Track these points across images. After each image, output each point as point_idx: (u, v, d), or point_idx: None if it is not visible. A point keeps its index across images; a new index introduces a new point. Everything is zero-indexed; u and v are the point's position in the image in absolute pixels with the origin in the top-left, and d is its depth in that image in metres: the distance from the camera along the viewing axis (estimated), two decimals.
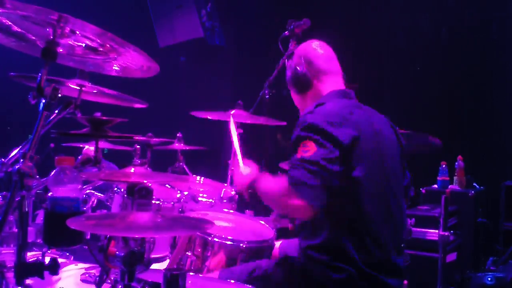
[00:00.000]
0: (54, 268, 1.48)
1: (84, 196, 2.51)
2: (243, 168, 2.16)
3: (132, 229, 1.34)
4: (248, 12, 5.86)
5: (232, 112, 2.79)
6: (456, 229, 3.82)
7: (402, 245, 1.98)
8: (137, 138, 2.36)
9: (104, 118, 1.70)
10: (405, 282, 1.95)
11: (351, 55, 3.62)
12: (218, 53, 5.96)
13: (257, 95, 3.12)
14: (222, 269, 2.10)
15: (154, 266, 2.38)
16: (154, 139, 2.87)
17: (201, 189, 3.01)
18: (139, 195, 1.43)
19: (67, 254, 2.27)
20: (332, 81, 2.11)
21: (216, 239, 2.16)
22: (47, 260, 1.47)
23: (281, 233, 2.51)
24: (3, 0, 1.35)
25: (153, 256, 1.72)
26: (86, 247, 1.56)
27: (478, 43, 4.89)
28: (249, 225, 2.55)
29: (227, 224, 2.53)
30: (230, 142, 2.45)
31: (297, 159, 1.80)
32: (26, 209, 1.48)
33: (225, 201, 2.86)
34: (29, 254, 1.50)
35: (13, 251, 1.64)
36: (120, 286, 1.39)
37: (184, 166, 3.34)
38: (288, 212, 1.89)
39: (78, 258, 2.20)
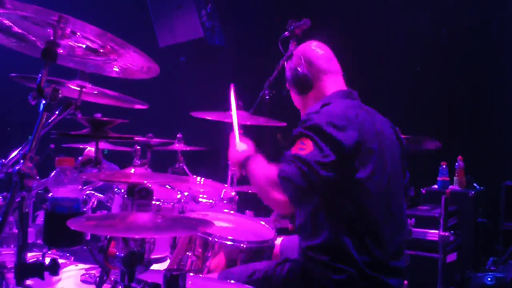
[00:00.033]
0: (54, 268, 1.48)
1: (84, 196, 2.50)
2: (239, 144, 2.14)
3: (132, 229, 1.34)
4: (248, 12, 5.85)
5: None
6: (456, 229, 3.82)
7: (403, 245, 1.98)
8: (137, 138, 2.36)
9: (105, 119, 1.70)
10: (405, 282, 1.95)
11: (351, 55, 3.61)
12: (218, 53, 5.95)
13: (257, 96, 3.12)
14: (222, 270, 2.10)
15: (154, 266, 2.38)
16: (154, 140, 2.86)
17: (201, 190, 3.01)
18: (139, 195, 1.43)
19: (67, 254, 2.27)
20: (334, 81, 2.11)
21: (216, 239, 2.16)
22: (47, 260, 1.47)
23: (281, 234, 2.51)
24: (3, 1, 1.35)
25: (153, 256, 1.72)
26: (86, 247, 1.56)
27: (478, 43, 4.88)
28: (249, 225, 2.55)
29: (227, 225, 2.53)
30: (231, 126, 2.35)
31: (291, 154, 1.80)
32: (26, 210, 1.48)
33: (225, 201, 2.86)
34: (29, 254, 1.50)
35: (13, 251, 1.64)
36: (120, 287, 1.39)
37: (184, 167, 3.33)
38: (268, 201, 1.90)
39: (78, 259, 2.21)
